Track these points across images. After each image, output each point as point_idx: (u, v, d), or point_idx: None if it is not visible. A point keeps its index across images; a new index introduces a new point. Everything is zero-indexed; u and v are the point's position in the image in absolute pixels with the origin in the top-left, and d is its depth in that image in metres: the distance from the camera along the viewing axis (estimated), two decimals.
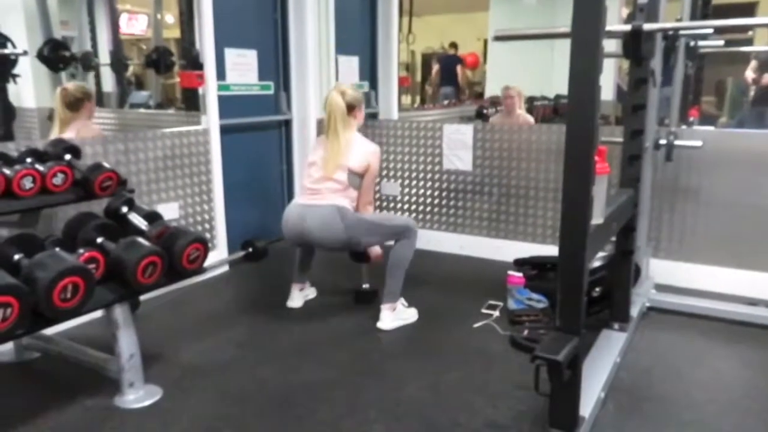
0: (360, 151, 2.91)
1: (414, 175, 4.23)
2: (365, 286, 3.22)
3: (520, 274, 3.09)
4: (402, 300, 2.97)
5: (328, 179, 2.86)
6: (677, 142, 2.98)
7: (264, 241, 4.01)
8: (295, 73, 4.24)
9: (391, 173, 4.31)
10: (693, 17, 3.16)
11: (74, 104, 3.13)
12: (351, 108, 2.92)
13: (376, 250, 3.08)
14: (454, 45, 8.83)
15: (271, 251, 4.02)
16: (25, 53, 3.34)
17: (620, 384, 2.35)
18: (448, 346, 2.73)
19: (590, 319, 2.62)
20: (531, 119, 5.43)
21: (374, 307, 2.95)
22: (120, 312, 2.17)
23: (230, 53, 3.75)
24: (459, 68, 8.68)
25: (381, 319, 2.89)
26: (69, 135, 3.05)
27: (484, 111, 6.24)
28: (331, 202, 2.83)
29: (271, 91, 4.16)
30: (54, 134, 3.11)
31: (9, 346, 2.53)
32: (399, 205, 4.30)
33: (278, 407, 2.21)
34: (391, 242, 2.93)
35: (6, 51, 3.24)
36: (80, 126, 3.12)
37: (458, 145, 4.01)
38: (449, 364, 2.55)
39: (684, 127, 3.43)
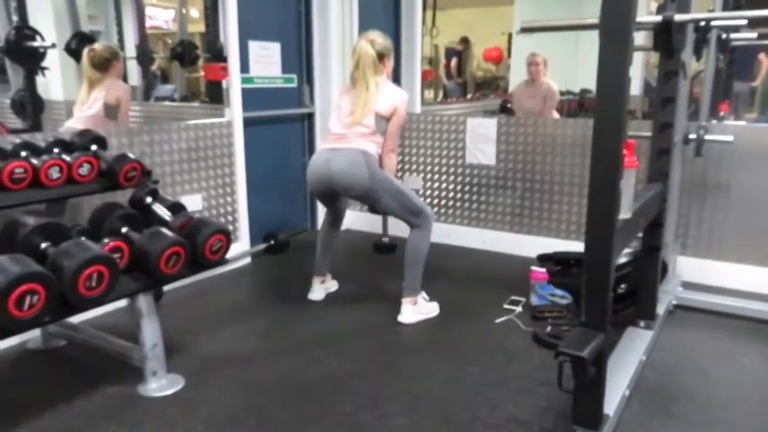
0: (388, 94, 2.86)
1: (436, 169, 4.20)
2: (385, 239, 3.20)
3: (544, 270, 3.05)
4: (423, 294, 2.96)
5: (357, 124, 2.82)
6: (707, 137, 2.92)
7: (286, 233, 4.03)
8: (318, 66, 4.24)
9: (414, 167, 4.29)
10: (725, 8, 3.08)
11: (102, 64, 3.16)
12: (381, 56, 2.86)
13: None
14: (465, 40, 8.72)
15: (292, 244, 4.04)
16: (53, 46, 3.38)
17: (645, 382, 2.31)
18: (469, 340, 2.71)
19: (615, 316, 2.57)
20: (555, 87, 5.17)
21: (395, 294, 2.94)
22: (144, 301, 2.19)
23: (254, 46, 3.76)
24: (453, 61, 8.57)
25: (402, 312, 2.88)
26: (99, 94, 3.09)
27: (509, 105, 6.15)
28: (357, 146, 2.79)
29: (294, 84, 4.17)
30: (82, 95, 3.15)
31: (36, 333, 2.58)
32: (421, 199, 4.27)
33: (299, 398, 2.22)
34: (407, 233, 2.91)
35: (35, 44, 3.29)
36: (109, 85, 3.16)
37: (481, 139, 3.97)
38: (470, 358, 2.53)
39: (714, 121, 3.35)
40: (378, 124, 2.83)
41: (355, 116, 2.82)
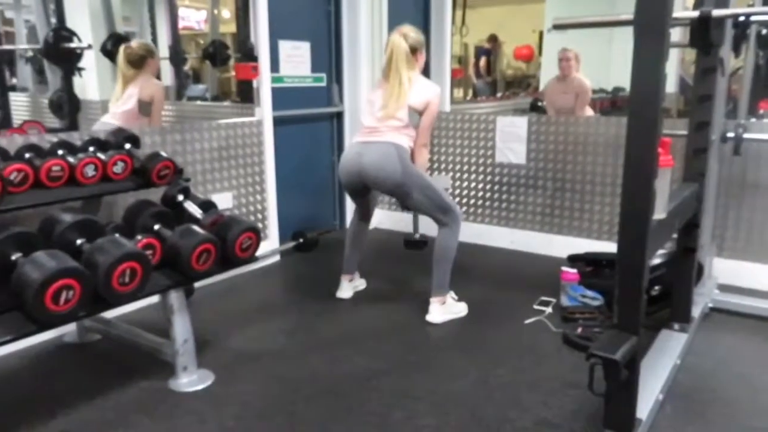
0: (421, 88, 2.84)
1: (466, 168, 4.18)
2: (417, 235, 3.21)
3: (575, 271, 3.01)
4: (452, 293, 2.94)
5: (390, 117, 2.81)
6: (746, 135, 2.84)
7: (314, 232, 4.05)
8: (347, 65, 4.25)
9: (443, 166, 4.27)
10: (766, 2, 2.99)
11: (137, 61, 3.21)
12: (413, 50, 2.84)
13: None
14: (494, 38, 8.65)
15: (321, 242, 4.06)
16: (89, 47, 3.45)
17: (680, 387, 2.26)
18: (498, 341, 2.69)
19: (648, 318, 2.52)
20: (587, 84, 5.04)
21: (423, 294, 2.93)
22: (175, 297, 2.22)
23: (284, 45, 3.79)
24: (482, 60, 8.50)
25: (430, 312, 2.87)
26: (133, 90, 3.14)
27: (539, 103, 6.08)
28: (390, 140, 2.79)
29: (324, 83, 4.18)
30: (117, 91, 3.20)
31: (72, 327, 2.65)
32: (450, 197, 4.25)
33: (327, 396, 2.23)
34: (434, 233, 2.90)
35: (72, 45, 3.36)
36: (143, 82, 3.21)
37: (512, 138, 3.94)
38: (500, 359, 2.50)
39: (753, 119, 3.26)
40: (411, 118, 2.82)
41: (388, 110, 2.81)
